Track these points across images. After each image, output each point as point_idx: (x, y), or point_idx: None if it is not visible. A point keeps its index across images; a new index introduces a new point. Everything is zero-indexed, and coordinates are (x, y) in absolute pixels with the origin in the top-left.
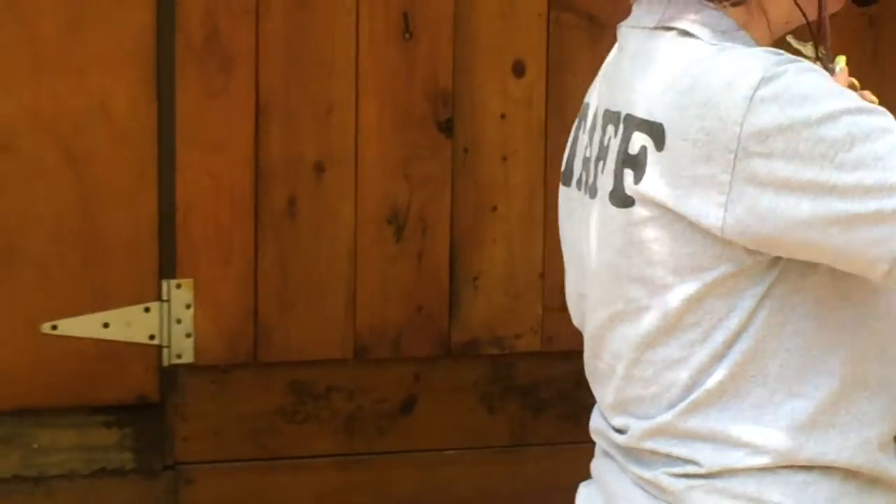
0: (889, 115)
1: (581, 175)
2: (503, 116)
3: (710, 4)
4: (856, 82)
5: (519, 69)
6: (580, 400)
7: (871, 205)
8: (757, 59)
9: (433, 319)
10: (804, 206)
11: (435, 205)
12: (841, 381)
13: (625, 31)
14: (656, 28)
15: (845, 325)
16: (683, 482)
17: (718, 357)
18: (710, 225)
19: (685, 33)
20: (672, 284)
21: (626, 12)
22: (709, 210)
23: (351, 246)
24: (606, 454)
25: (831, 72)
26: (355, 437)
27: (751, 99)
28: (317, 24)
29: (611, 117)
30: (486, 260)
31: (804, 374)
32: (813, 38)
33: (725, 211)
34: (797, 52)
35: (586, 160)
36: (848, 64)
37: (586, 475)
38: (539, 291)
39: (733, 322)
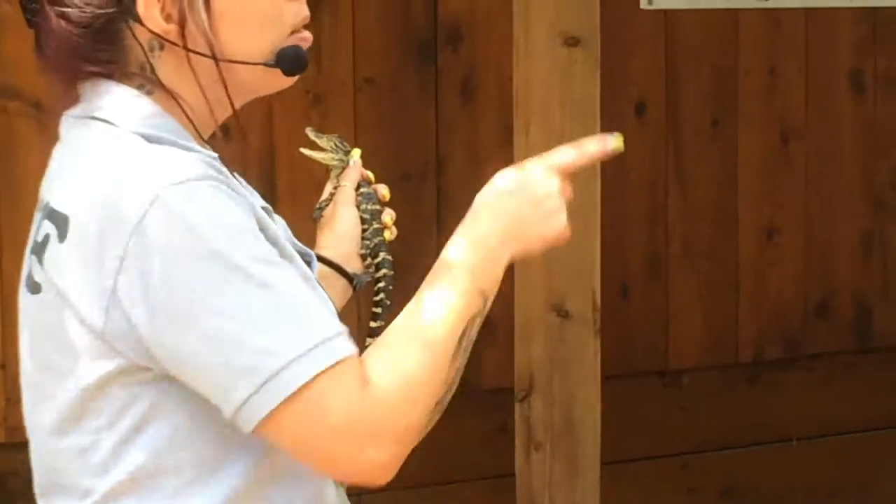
0: (284, 268)
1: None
2: None
3: (134, 92)
4: (371, 175)
5: None
6: None
7: (220, 357)
8: (162, 168)
9: None
10: (168, 334)
11: None
12: (249, 474)
13: (65, 120)
14: (85, 117)
15: None
16: None
17: (127, 445)
18: (93, 325)
19: (106, 122)
20: (73, 371)
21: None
22: (93, 311)
23: None
24: None
25: (346, 164)
26: None
27: (144, 213)
28: None
29: (41, 207)
30: None
31: (220, 465)
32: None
33: (107, 315)
34: (313, 144)
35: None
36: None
37: None
38: (0, 382)
39: (138, 411)
